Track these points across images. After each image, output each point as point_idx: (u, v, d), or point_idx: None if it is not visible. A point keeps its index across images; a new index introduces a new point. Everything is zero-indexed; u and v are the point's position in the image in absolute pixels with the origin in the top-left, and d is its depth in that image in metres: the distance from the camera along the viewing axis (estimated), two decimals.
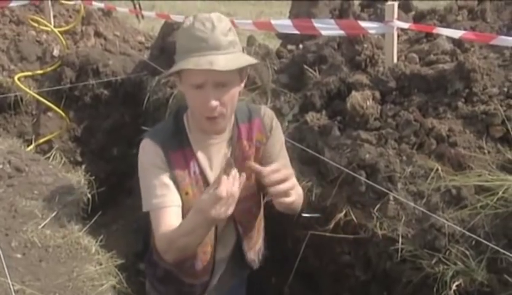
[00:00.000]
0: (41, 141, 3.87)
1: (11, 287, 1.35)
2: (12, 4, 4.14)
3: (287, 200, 1.35)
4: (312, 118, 2.27)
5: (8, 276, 1.39)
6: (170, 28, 3.79)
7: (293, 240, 2.19)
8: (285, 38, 3.29)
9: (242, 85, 1.45)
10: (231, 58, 1.31)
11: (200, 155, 1.49)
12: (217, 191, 1.20)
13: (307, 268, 2.21)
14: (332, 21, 2.53)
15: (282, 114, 2.44)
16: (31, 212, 1.84)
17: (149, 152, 1.45)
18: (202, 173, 1.50)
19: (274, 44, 4.56)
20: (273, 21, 2.72)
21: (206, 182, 1.49)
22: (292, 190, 1.36)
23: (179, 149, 1.47)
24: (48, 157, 2.66)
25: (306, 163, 2.20)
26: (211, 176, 1.49)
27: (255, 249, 1.70)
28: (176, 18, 3.49)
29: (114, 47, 4.35)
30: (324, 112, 2.34)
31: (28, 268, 1.53)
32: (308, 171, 2.16)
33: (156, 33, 5.28)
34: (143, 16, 5.55)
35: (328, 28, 2.51)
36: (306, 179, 2.13)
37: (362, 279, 2.03)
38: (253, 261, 1.71)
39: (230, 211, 1.24)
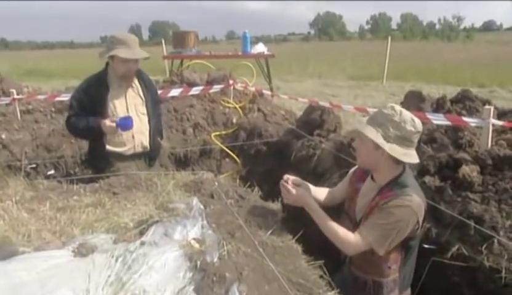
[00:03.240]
0: (221, 177, 4.45)
1: (272, 267, 1.69)
2: (211, 91, 4.93)
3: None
4: (429, 180, 2.49)
5: (268, 261, 1.73)
6: (312, 109, 4.25)
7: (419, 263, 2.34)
8: None
9: (378, 149, 1.61)
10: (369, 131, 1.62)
11: (366, 185, 1.80)
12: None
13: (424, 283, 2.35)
14: (441, 115, 2.78)
15: None
16: (258, 225, 2.08)
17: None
18: (358, 191, 1.82)
19: None
20: None
21: (354, 196, 1.82)
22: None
23: (361, 172, 1.85)
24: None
25: (425, 211, 2.40)
26: (359, 199, 1.79)
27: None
28: (322, 103, 3.88)
29: (270, 118, 4.92)
30: (436, 177, 2.55)
31: (270, 258, 1.84)
32: (427, 216, 2.36)
33: (289, 107, 5.84)
34: (273, 96, 6.10)
35: (437, 119, 2.76)
36: (426, 221, 2.34)
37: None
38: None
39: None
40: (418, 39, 64.65)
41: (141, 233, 2.00)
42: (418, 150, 2.90)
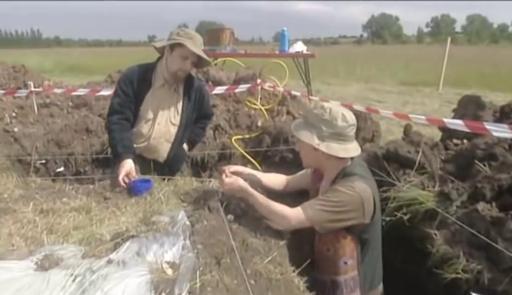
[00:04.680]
0: None
1: None
2: (236, 90, 4.69)
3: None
4: (484, 208, 2.02)
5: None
6: None
7: None
8: (447, 131, 3.06)
9: (317, 150, 1.76)
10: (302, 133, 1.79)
11: (322, 184, 1.94)
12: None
13: None
14: (506, 125, 2.28)
15: (450, 198, 2.23)
16: (256, 248, 1.80)
17: None
18: (318, 190, 1.95)
19: (424, 131, 4.29)
20: (445, 119, 2.57)
21: (316, 196, 1.89)
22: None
23: (320, 172, 1.96)
24: None
25: (475, 248, 1.95)
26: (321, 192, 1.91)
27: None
28: (357, 107, 3.51)
29: None
30: (493, 204, 2.07)
31: (261, 293, 1.55)
32: (478, 255, 1.91)
33: None
34: (310, 99, 5.78)
35: (500, 131, 2.28)
36: (476, 262, 1.89)
37: None
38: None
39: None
40: (485, 43, 60.49)
41: (117, 247, 1.79)
42: (472, 168, 2.45)
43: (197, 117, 2.80)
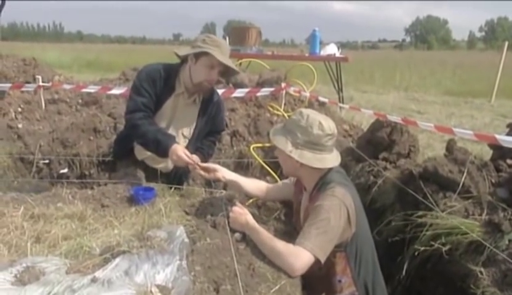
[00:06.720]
0: (249, 202, 4.06)
1: None
2: (258, 94, 4.61)
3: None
4: None
5: None
6: (379, 125, 3.68)
7: None
8: (499, 149, 2.83)
9: (291, 158, 1.81)
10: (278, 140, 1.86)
11: (303, 196, 2.00)
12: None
13: None
14: None
15: (501, 230, 2.03)
16: (264, 275, 1.72)
17: None
18: (300, 203, 2.02)
19: (471, 148, 4.04)
20: (498, 136, 2.37)
21: (298, 209, 2.03)
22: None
23: (301, 183, 2.01)
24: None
25: None
26: (301, 211, 1.99)
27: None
28: (391, 118, 3.33)
29: None
30: None
31: None
32: None
33: (356, 122, 5.27)
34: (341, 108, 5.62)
35: None
36: None
37: None
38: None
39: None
40: None
41: (105, 263, 1.74)
42: None
43: (208, 131, 2.79)
